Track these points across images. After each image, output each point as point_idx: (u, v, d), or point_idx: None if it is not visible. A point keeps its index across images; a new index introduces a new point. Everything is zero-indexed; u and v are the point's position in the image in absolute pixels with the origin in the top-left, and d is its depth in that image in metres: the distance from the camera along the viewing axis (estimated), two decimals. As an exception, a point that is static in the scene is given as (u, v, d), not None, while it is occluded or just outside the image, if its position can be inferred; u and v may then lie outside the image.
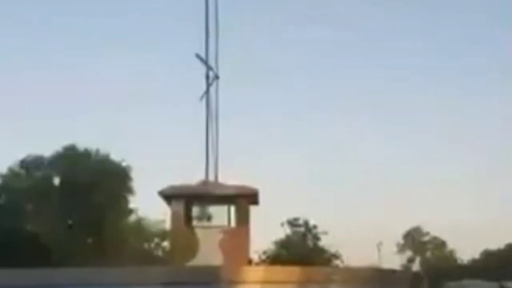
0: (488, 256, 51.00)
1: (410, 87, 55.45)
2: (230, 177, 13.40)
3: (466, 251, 51.55)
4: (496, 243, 50.46)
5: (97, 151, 35.62)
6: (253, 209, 13.13)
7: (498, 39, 57.11)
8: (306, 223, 42.37)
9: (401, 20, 57.58)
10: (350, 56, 56.67)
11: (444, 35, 59.57)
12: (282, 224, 42.12)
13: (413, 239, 54.15)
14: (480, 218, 50.29)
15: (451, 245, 52.61)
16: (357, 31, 56.78)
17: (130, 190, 34.73)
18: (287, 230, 42.53)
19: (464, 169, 55.39)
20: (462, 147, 54.93)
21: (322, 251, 41.54)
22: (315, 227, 42.06)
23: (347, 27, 55.42)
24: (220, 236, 12.71)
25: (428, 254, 53.68)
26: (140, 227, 37.46)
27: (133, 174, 34.84)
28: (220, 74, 13.85)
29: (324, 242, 41.62)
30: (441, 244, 53.20)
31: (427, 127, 55.02)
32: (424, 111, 57.20)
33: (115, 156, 34.89)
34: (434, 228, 51.91)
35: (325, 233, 41.45)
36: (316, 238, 42.11)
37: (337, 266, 37.03)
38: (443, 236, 52.28)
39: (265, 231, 35.27)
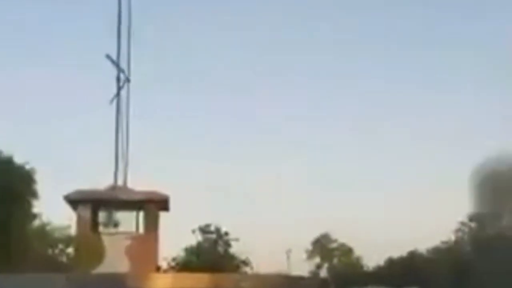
0: (392, 263, 52.66)
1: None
2: (140, 182, 13.12)
3: (372, 258, 53.04)
4: (399, 251, 52.18)
5: (0, 152, 34.20)
6: (163, 216, 12.90)
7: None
8: (217, 230, 42.32)
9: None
10: (266, 58, 57.04)
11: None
12: (193, 231, 41.90)
13: (322, 246, 55.10)
14: (385, 225, 51.87)
15: (357, 252, 53.94)
16: (273, 31, 57.28)
17: (34, 194, 33.51)
18: (199, 237, 42.35)
19: (375, 174, 56.96)
20: (373, 148, 56.43)
21: (232, 257, 41.58)
22: (226, 234, 42.05)
23: (265, 28, 55.87)
24: (127, 242, 12.39)
25: (336, 260, 54.73)
26: (44, 232, 36.24)
27: (38, 178, 33.65)
28: (131, 77, 13.56)
29: (235, 249, 41.71)
30: (348, 250, 54.38)
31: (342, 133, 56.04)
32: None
33: (18, 159, 33.59)
34: (341, 235, 53.07)
35: (236, 239, 41.54)
36: (227, 244, 42.12)
37: (246, 273, 37.21)
38: (350, 243, 53.50)
39: (176, 238, 34.94)
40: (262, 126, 54.42)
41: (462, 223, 42.54)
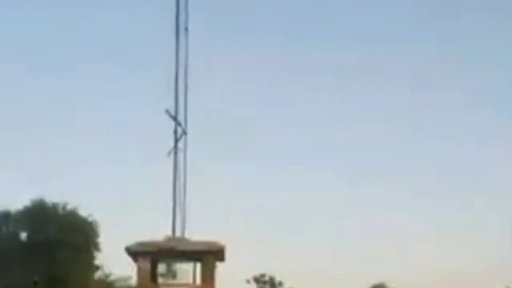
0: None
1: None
2: (197, 233, 13.29)
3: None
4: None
5: (65, 205, 35.24)
6: (219, 266, 12.99)
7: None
8: (271, 280, 42.05)
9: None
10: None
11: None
12: (248, 281, 41.70)
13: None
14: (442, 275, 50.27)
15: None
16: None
17: (96, 246, 34.26)
18: (253, 287, 42.12)
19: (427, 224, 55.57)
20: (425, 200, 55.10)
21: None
22: (280, 283, 41.74)
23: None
24: (185, 293, 12.52)
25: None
26: (105, 284, 36.79)
27: (100, 229, 34.43)
28: (188, 130, 13.92)
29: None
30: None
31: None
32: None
33: (82, 211, 34.49)
34: (398, 284, 51.61)
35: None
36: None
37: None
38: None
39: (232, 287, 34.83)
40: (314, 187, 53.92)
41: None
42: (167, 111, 13.82)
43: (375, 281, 52.26)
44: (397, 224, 54.38)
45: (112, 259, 32.61)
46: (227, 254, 13.06)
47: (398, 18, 57.59)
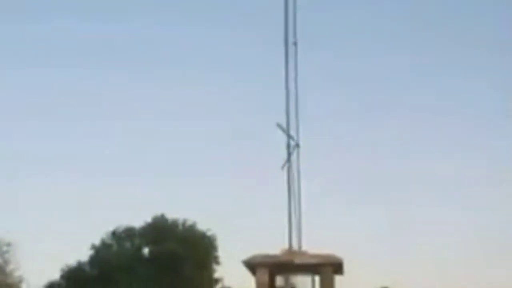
0: None
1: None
2: (314, 245, 13.24)
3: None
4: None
5: (185, 221, 36.28)
6: (337, 279, 12.86)
7: None
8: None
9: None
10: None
11: None
12: (369, 294, 40.93)
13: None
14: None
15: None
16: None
17: (216, 260, 34.94)
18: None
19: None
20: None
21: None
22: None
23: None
24: (304, 306, 12.48)
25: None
26: (226, 297, 37.44)
27: (219, 243, 35.11)
28: (301, 142, 13.94)
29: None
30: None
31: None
32: None
33: (201, 226, 35.35)
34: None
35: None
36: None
37: None
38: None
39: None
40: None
41: None
42: (278, 125, 13.92)
43: None
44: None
45: (231, 272, 33.17)
46: (346, 267, 12.90)
47: None
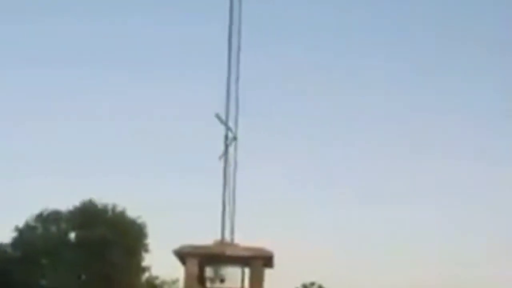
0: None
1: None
2: (246, 238, 13.29)
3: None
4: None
5: (114, 206, 35.75)
6: (267, 272, 12.95)
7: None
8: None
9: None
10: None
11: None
12: (296, 289, 41.51)
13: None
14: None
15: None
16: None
17: (145, 248, 34.64)
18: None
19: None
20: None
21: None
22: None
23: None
24: (232, 299, 12.52)
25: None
26: (153, 286, 37.16)
27: (148, 232, 34.79)
28: (239, 135, 13.92)
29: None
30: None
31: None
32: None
33: (131, 212, 34.92)
34: None
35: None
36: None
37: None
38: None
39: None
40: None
41: None
42: (217, 116, 13.86)
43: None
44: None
45: (160, 261, 32.93)
46: (276, 261, 13.02)
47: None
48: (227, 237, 13.38)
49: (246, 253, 12.79)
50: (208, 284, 12.97)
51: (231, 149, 13.79)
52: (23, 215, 36.68)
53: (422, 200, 53.76)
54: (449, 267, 51.29)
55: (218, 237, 13.31)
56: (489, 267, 48.13)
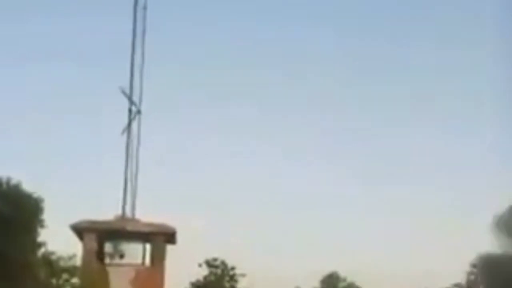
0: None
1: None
2: (147, 214, 13.10)
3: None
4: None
5: (8, 179, 34.34)
6: (170, 249, 12.85)
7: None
8: (223, 264, 41.89)
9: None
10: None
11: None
12: (200, 265, 41.52)
13: (331, 285, 54.33)
14: (397, 264, 51.14)
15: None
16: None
17: (41, 223, 33.53)
18: (205, 271, 41.90)
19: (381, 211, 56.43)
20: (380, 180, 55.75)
21: (238, 293, 41.13)
22: (233, 268, 41.61)
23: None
24: (133, 274, 12.33)
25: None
26: (49, 262, 36.09)
27: (45, 206, 33.67)
28: (143, 109, 13.68)
29: (241, 284, 41.22)
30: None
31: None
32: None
33: (26, 186, 33.65)
34: (351, 273, 52.26)
35: (243, 275, 41.11)
36: (234, 280, 41.65)
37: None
38: (359, 282, 52.82)
39: (183, 271, 34.61)
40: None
41: (474, 266, 41.38)
42: (121, 90, 13.56)
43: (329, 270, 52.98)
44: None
45: (57, 237, 31.97)
46: (180, 238, 12.94)
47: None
48: (128, 212, 13.16)
49: (147, 229, 12.62)
50: (107, 260, 12.71)
51: (134, 124, 13.55)
52: None
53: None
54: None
55: (119, 212, 13.07)
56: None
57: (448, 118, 54.16)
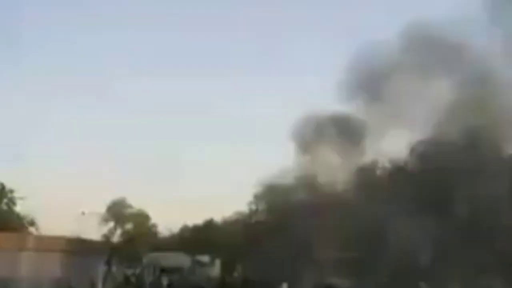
0: (186, 231, 52.76)
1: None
2: None
3: (168, 225, 52.83)
4: (196, 219, 52.58)
5: None
6: None
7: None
8: (2, 186, 39.40)
9: None
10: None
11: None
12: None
13: (116, 211, 53.57)
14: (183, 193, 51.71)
15: (154, 219, 53.41)
16: None
17: None
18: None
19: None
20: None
21: (18, 217, 38.99)
22: (11, 191, 39.35)
23: None
24: None
25: (130, 226, 53.53)
26: None
27: None
28: None
29: (20, 208, 39.12)
30: (145, 217, 53.52)
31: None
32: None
33: None
34: (138, 201, 52.34)
35: (22, 198, 39.00)
36: (12, 202, 39.41)
37: (31, 234, 35.16)
38: (147, 209, 52.96)
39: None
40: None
41: (256, 196, 42.75)
42: None
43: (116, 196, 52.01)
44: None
45: None
46: None
47: None
48: None
49: None
50: None
51: None
52: None
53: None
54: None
55: None
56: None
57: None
